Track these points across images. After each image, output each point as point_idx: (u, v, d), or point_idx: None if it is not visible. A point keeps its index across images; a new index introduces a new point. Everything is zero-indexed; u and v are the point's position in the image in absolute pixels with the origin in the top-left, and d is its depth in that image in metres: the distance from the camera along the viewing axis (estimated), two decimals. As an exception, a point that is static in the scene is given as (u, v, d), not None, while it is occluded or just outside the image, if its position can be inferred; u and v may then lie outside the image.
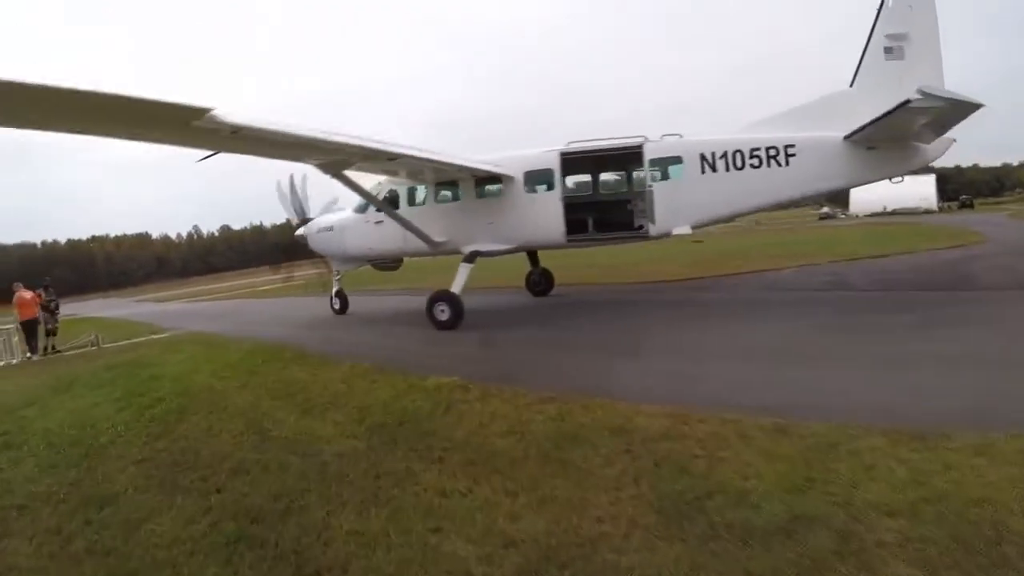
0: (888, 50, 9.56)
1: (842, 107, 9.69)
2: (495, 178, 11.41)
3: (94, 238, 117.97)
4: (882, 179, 10.42)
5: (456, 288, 10.97)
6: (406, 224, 11.44)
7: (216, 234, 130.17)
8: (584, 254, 17.97)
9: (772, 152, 9.92)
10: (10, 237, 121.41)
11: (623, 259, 21.15)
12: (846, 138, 9.52)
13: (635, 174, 11.57)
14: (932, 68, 9.30)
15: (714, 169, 10.25)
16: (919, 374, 5.55)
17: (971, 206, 59.98)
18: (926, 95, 7.82)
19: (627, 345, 8.31)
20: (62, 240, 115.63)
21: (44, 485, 5.33)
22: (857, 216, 57.08)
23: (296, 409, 6.47)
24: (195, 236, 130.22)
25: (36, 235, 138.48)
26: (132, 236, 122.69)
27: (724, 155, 10.18)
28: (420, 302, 11.63)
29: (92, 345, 15.22)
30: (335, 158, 9.41)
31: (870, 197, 59.00)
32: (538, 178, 11.24)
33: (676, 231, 10.47)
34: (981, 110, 8.06)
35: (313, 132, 8.08)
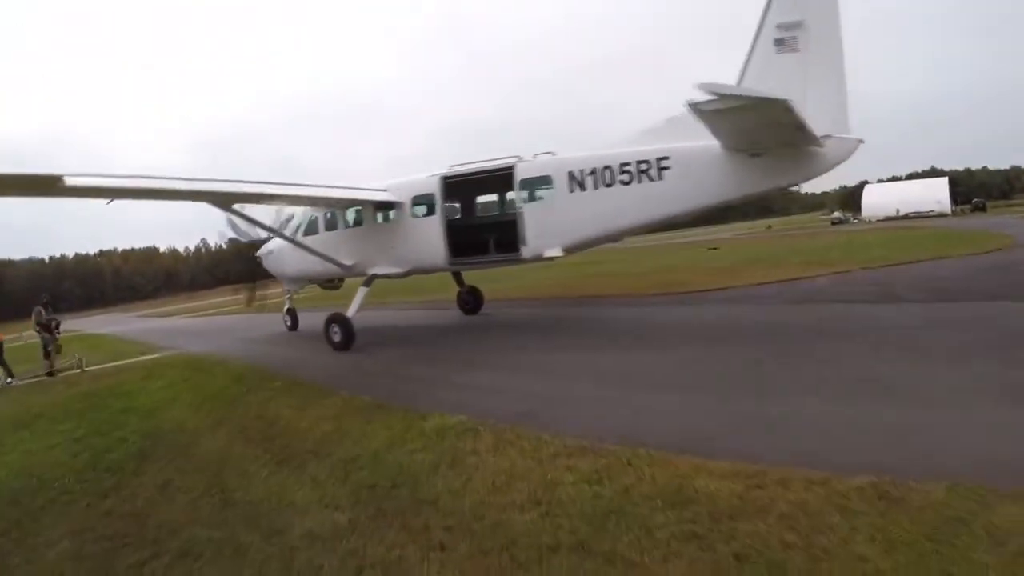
0: (779, 42, 8.06)
1: None
2: (390, 204, 11.49)
3: (102, 252, 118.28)
4: (776, 189, 8.96)
5: (351, 312, 11.36)
6: (310, 250, 11.76)
7: (224, 247, 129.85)
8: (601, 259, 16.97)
9: (643, 166, 8.92)
10: (19, 252, 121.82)
11: (644, 266, 20.20)
12: (726, 147, 8.24)
13: (508, 196, 11.34)
14: (831, 60, 7.86)
15: (583, 188, 9.48)
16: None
17: (984, 209, 59.08)
18: (719, 96, 6.49)
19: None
20: (70, 255, 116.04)
21: (-36, 560, 4.33)
22: (870, 220, 55.72)
23: (271, 459, 5.39)
24: (203, 249, 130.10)
25: (44, 250, 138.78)
26: (140, 250, 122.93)
27: (593, 172, 9.36)
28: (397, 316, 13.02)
29: (76, 368, 14.31)
30: (212, 200, 9.78)
31: (883, 201, 57.91)
32: (422, 203, 11.23)
33: (547, 253, 9.96)
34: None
35: (162, 183, 8.70)
